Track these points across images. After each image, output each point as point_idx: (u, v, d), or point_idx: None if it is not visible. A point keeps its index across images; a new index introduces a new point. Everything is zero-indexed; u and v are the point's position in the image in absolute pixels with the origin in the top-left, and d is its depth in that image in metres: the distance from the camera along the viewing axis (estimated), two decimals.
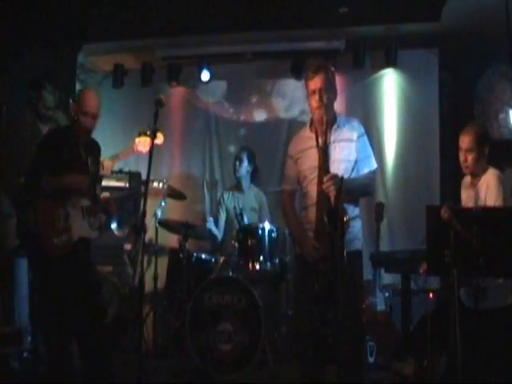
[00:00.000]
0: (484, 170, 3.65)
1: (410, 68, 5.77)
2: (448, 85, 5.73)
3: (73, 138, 3.76)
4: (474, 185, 3.68)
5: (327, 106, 3.42)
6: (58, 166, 3.66)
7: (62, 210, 3.66)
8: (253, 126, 6.09)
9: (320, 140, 3.42)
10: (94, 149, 3.92)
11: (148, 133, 4.24)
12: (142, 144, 4.53)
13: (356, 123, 3.57)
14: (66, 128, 3.92)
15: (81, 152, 3.77)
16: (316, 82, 3.43)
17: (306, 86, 3.50)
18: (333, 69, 3.54)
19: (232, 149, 6.04)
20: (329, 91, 3.45)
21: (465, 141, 3.65)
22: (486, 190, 3.58)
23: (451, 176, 5.36)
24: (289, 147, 3.68)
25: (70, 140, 3.76)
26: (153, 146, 3.40)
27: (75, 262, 3.66)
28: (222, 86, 6.16)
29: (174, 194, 5.26)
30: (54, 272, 3.64)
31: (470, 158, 3.63)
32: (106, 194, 3.97)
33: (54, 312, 3.63)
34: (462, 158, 3.67)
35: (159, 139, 4.45)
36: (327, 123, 3.37)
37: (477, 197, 3.62)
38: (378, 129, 5.73)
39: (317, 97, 3.42)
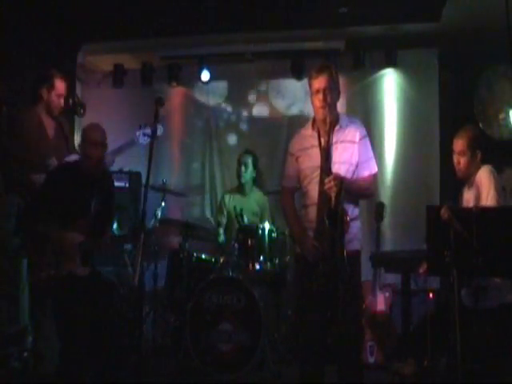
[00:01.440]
0: (477, 171, 3.68)
1: (410, 68, 5.77)
2: (448, 85, 5.72)
3: (77, 176, 3.75)
4: (470, 185, 3.72)
5: (331, 105, 3.42)
6: (57, 209, 3.66)
7: (52, 244, 3.65)
8: (253, 126, 6.09)
9: (323, 140, 3.42)
10: (105, 186, 3.88)
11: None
12: (143, 137, 4.55)
13: (358, 124, 3.58)
14: (69, 166, 3.89)
15: (85, 191, 3.76)
16: (320, 82, 3.43)
17: (310, 86, 3.50)
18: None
19: (232, 148, 6.03)
20: (332, 91, 3.45)
21: (458, 144, 3.75)
22: (480, 186, 3.61)
23: (451, 176, 5.35)
24: (290, 144, 3.67)
25: (74, 179, 3.75)
26: (153, 147, 3.39)
27: (64, 298, 3.64)
28: (222, 85, 6.15)
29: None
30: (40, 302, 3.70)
31: (462, 160, 3.73)
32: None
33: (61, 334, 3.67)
34: (455, 160, 3.78)
35: (159, 130, 4.45)
36: (330, 124, 3.37)
37: (477, 197, 3.63)
38: (378, 129, 5.72)
39: (320, 96, 3.42)
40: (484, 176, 3.63)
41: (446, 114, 5.65)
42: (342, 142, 3.46)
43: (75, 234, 3.68)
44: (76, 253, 3.67)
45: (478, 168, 3.71)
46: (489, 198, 3.53)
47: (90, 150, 3.72)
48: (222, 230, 5.52)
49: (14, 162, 4.31)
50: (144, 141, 4.65)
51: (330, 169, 3.31)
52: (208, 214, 6.02)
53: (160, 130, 4.45)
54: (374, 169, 3.57)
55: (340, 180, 3.23)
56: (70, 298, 3.62)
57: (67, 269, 3.65)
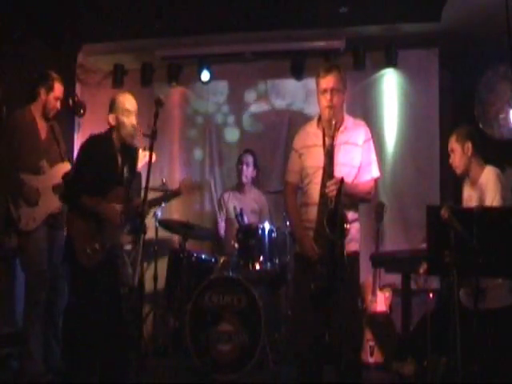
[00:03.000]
0: (481, 169, 3.68)
1: (410, 68, 5.76)
2: (448, 85, 5.72)
3: (111, 147, 3.78)
4: (473, 185, 3.71)
5: (337, 106, 3.42)
6: (97, 181, 3.68)
7: (93, 217, 3.66)
8: (253, 126, 6.09)
9: (327, 141, 3.41)
10: (132, 155, 3.93)
11: (144, 148, 4.39)
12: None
13: (363, 127, 3.57)
14: (104, 136, 3.88)
15: (118, 162, 3.79)
16: (328, 81, 3.43)
17: (317, 84, 3.50)
18: None
19: (232, 148, 6.03)
20: (340, 91, 3.45)
21: (449, 143, 3.81)
22: (485, 188, 3.60)
23: (451, 176, 5.35)
24: (294, 140, 3.67)
25: (109, 149, 3.77)
26: (152, 148, 3.39)
27: (107, 272, 3.67)
28: (222, 85, 6.15)
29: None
30: (87, 281, 3.65)
31: (455, 157, 3.77)
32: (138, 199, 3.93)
33: (82, 318, 3.66)
34: (450, 160, 3.82)
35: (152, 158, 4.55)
36: (335, 126, 3.37)
37: (480, 198, 3.62)
38: (378, 129, 5.72)
39: (328, 96, 3.42)
40: (491, 179, 3.60)
41: (446, 114, 5.65)
42: (345, 143, 3.45)
43: (114, 203, 3.71)
44: (117, 223, 3.70)
45: (482, 168, 3.69)
46: (494, 204, 3.51)
47: (126, 119, 3.77)
48: (222, 226, 5.50)
49: (5, 160, 4.26)
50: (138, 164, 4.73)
51: (332, 172, 3.31)
52: (208, 212, 6.02)
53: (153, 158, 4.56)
54: (376, 173, 3.56)
55: (340, 181, 3.23)
56: (110, 271, 3.69)
57: (110, 240, 3.68)
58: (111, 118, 3.82)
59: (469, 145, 3.70)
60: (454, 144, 3.76)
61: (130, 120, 3.79)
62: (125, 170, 3.83)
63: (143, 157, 4.64)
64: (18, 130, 4.29)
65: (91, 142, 3.85)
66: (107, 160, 3.75)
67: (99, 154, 3.74)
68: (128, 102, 3.84)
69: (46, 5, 5.04)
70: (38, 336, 4.19)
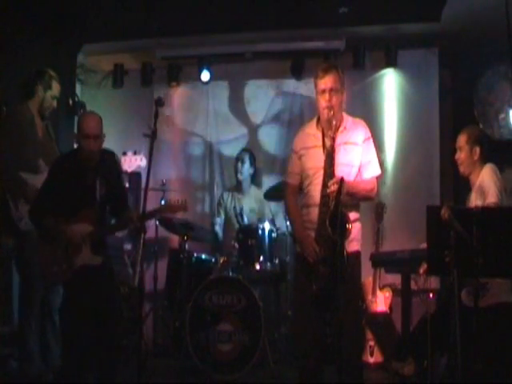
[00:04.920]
0: (480, 171, 3.70)
1: (410, 68, 5.77)
2: (448, 85, 5.73)
3: (76, 164, 3.71)
4: (473, 184, 3.73)
5: (336, 106, 3.43)
6: (62, 201, 3.65)
7: (61, 237, 3.63)
8: (253, 126, 6.09)
9: (327, 141, 3.42)
10: (107, 169, 3.80)
11: (135, 152, 4.40)
12: (127, 163, 4.58)
13: (362, 126, 3.58)
14: (68, 155, 3.87)
15: (86, 178, 3.71)
16: (326, 82, 3.44)
17: (316, 85, 3.50)
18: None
19: (232, 149, 6.03)
20: (338, 91, 3.45)
21: (458, 139, 3.83)
22: (482, 184, 3.62)
23: (451, 176, 5.36)
24: (293, 141, 3.67)
25: (74, 167, 3.71)
26: (152, 148, 3.39)
27: (77, 289, 3.64)
28: (222, 85, 6.15)
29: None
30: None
31: (461, 155, 3.79)
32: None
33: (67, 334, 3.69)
34: (456, 156, 3.84)
35: (142, 162, 4.65)
36: (335, 126, 3.37)
37: (480, 195, 3.63)
38: (378, 129, 5.71)
39: (326, 96, 3.42)
40: (486, 174, 3.65)
41: (445, 113, 5.65)
42: (345, 143, 3.45)
43: (83, 224, 3.65)
44: (86, 244, 3.65)
45: (479, 166, 3.72)
46: (489, 196, 3.53)
47: (84, 141, 3.67)
48: (218, 227, 5.50)
49: (7, 158, 4.22)
50: (128, 168, 4.71)
51: (333, 173, 3.32)
52: (208, 213, 6.02)
53: (143, 162, 4.68)
54: (377, 170, 3.57)
55: (341, 181, 3.23)
56: (83, 290, 3.63)
57: (79, 261, 3.63)
58: (75, 139, 3.82)
59: (477, 150, 3.73)
60: (463, 143, 3.78)
61: (90, 145, 3.66)
62: (97, 186, 3.70)
63: (134, 161, 4.65)
64: (19, 127, 4.25)
65: (56, 163, 3.82)
66: (70, 180, 3.68)
67: (62, 175, 3.69)
68: (88, 126, 3.67)
69: (45, 5, 5.04)
70: (35, 336, 4.19)
